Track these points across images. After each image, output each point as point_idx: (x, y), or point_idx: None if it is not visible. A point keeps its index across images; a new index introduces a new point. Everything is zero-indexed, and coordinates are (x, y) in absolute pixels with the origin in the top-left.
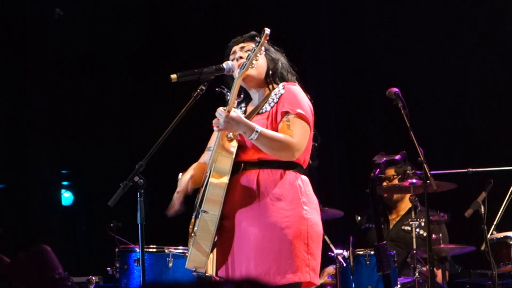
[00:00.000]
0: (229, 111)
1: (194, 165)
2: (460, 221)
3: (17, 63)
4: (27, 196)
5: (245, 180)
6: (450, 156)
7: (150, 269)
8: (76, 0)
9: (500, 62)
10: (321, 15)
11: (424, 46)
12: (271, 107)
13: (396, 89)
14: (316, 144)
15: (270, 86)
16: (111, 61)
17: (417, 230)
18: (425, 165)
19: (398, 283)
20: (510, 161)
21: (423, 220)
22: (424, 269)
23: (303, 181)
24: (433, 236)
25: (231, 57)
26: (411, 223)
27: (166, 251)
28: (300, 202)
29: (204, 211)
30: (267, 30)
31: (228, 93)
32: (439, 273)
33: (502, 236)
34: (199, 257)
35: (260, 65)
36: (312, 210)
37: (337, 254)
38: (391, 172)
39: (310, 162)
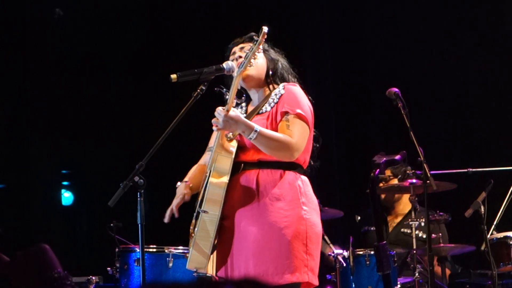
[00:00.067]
0: (228, 110)
1: (193, 170)
2: (460, 221)
3: (17, 63)
4: (27, 196)
5: (245, 180)
6: (450, 156)
7: (150, 269)
8: (76, 0)
9: (500, 62)
10: (321, 15)
11: (424, 46)
12: (271, 107)
13: (396, 89)
14: (317, 145)
15: (271, 86)
16: (111, 61)
17: (417, 231)
18: (425, 165)
19: (398, 283)
20: (510, 161)
21: (423, 220)
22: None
23: (303, 181)
24: (433, 235)
25: (231, 57)
26: (411, 223)
27: (166, 251)
28: (300, 202)
29: (204, 211)
30: (265, 29)
31: (227, 93)
32: (439, 269)
33: (502, 236)
34: (200, 257)
35: (260, 65)
36: (311, 211)
37: (337, 254)
38: (387, 173)
39: (312, 163)
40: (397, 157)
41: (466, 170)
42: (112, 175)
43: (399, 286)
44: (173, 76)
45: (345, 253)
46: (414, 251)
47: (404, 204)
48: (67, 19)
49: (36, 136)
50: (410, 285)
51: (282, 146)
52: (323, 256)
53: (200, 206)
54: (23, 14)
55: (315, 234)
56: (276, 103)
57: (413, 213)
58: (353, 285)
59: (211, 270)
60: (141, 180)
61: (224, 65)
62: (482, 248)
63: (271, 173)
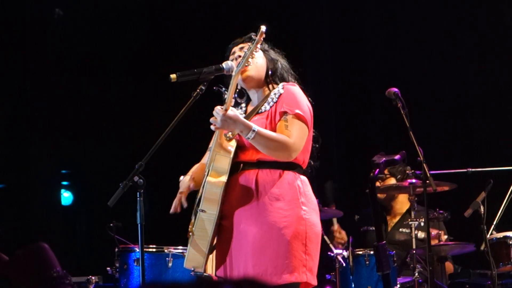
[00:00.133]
0: (226, 110)
1: (196, 166)
2: (460, 221)
3: (17, 63)
4: (27, 196)
5: (244, 179)
6: (450, 156)
7: (149, 269)
8: (76, 0)
9: (500, 62)
10: (321, 15)
11: (424, 46)
12: (270, 107)
13: (396, 89)
14: (317, 145)
15: (270, 86)
16: (111, 61)
17: (416, 231)
18: (424, 165)
19: (398, 283)
20: (510, 161)
21: (423, 220)
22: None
23: (302, 181)
24: (433, 233)
25: (231, 57)
26: (410, 223)
27: (165, 251)
28: (299, 202)
29: (202, 210)
30: (263, 28)
31: (226, 92)
32: (447, 266)
33: (501, 236)
34: (197, 256)
35: (259, 65)
36: (310, 211)
37: (337, 254)
38: (384, 171)
39: (311, 163)
40: (397, 157)
41: (465, 170)
42: (112, 175)
43: (398, 286)
44: (173, 76)
45: (345, 253)
46: (414, 251)
47: (402, 203)
48: (67, 19)
49: (36, 136)
50: (410, 285)
51: (280, 146)
52: (322, 256)
53: (198, 205)
54: (23, 14)
55: (314, 234)
56: (275, 102)
57: (412, 213)
58: (353, 285)
59: (210, 270)
60: (141, 180)
61: (224, 65)
62: (482, 248)
63: (270, 173)
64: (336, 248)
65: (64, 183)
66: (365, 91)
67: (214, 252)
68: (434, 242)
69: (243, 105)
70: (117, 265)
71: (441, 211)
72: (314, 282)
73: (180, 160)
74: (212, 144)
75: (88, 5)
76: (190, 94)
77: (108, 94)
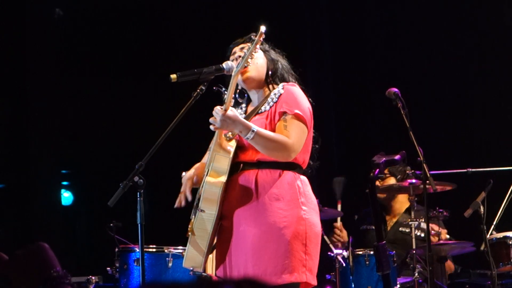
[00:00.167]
0: (225, 110)
1: (197, 165)
2: (460, 221)
3: (17, 63)
4: (27, 196)
5: (244, 180)
6: (450, 156)
7: (149, 269)
8: (76, 0)
9: (500, 62)
10: (321, 15)
11: (424, 46)
12: (270, 107)
13: (396, 89)
14: (317, 146)
15: (270, 87)
16: (111, 61)
17: (416, 231)
18: (424, 165)
19: (398, 283)
20: (510, 161)
21: (423, 220)
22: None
23: (302, 181)
24: (433, 231)
25: (231, 58)
26: (410, 223)
27: (165, 251)
28: (299, 202)
29: (201, 210)
30: (262, 28)
31: (225, 92)
32: (448, 265)
33: (501, 236)
34: (196, 256)
35: (260, 66)
36: (310, 211)
37: (337, 254)
38: (384, 171)
39: (311, 163)
40: (397, 157)
41: (465, 170)
42: (112, 175)
43: (398, 286)
44: (173, 76)
45: (345, 253)
46: (414, 251)
47: (401, 203)
48: (67, 19)
49: (36, 136)
50: (410, 285)
51: (279, 147)
52: (322, 256)
53: (198, 205)
54: (23, 14)
55: (314, 234)
56: (275, 102)
57: (412, 213)
58: (353, 285)
59: (210, 270)
60: (141, 180)
61: (224, 65)
62: (482, 248)
63: (270, 173)
64: (335, 248)
65: (64, 183)
66: (365, 91)
67: (214, 252)
68: (434, 239)
69: (244, 105)
70: (117, 265)
71: (440, 210)
72: (314, 282)
73: (180, 160)
74: (212, 144)
75: (88, 5)
76: (190, 94)
77: (108, 94)
